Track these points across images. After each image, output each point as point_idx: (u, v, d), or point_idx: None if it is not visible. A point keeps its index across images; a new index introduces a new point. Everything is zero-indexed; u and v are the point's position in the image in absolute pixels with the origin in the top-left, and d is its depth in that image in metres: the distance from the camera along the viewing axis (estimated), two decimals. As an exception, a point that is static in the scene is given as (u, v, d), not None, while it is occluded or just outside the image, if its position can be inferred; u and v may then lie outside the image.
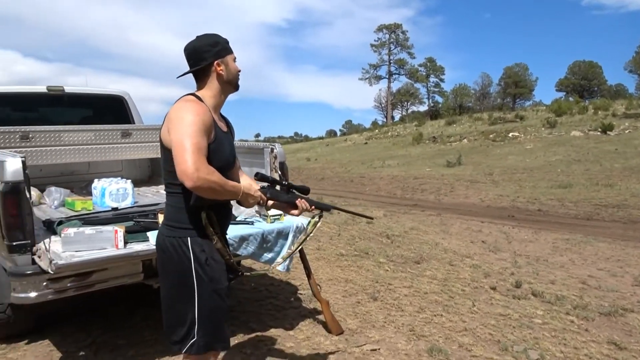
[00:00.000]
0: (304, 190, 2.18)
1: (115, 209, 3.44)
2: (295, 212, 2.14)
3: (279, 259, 2.90)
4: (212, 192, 1.75)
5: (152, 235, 2.66)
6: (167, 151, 1.88)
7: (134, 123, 5.27)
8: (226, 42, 1.99)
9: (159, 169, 5.35)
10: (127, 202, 3.76)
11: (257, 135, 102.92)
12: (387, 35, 70.61)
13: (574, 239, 8.27)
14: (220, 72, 1.93)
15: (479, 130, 36.62)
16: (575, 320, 3.75)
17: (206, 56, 1.91)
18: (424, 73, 69.83)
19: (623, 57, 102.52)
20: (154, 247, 2.36)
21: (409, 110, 72.13)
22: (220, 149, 1.92)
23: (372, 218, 2.78)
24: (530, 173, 19.54)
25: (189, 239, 1.89)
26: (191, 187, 1.70)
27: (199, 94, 1.95)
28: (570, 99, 51.48)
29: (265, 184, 2.11)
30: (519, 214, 11.95)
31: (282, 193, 2.13)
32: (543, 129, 33.26)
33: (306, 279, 3.54)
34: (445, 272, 5.13)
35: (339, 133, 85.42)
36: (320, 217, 2.26)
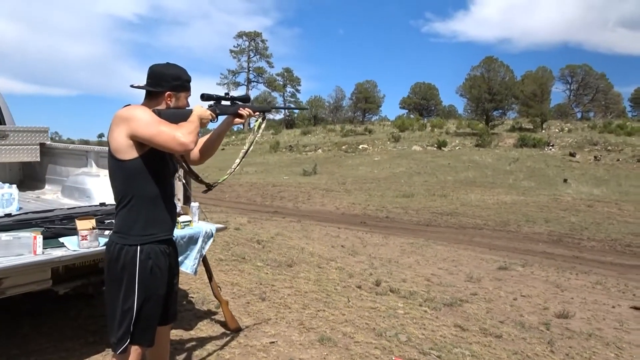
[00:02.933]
0: (245, 99, 2.39)
1: (9, 215, 3.29)
2: (242, 120, 2.38)
3: (187, 262, 3.12)
4: (196, 138, 2.05)
5: (67, 241, 2.70)
6: (118, 162, 2.03)
7: (5, 124, 4.95)
8: (188, 80, 2.18)
9: (31, 172, 5.10)
10: (12, 208, 3.59)
11: (101, 136, 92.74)
12: (247, 43, 71.14)
13: (417, 242, 9.44)
14: (169, 102, 2.13)
15: (332, 141, 38.78)
16: (427, 310, 4.52)
17: (164, 84, 2.10)
18: (282, 83, 71.69)
19: (455, 81, 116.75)
20: (73, 252, 2.45)
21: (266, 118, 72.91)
22: (164, 155, 2.11)
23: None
24: (378, 183, 21.39)
25: (138, 247, 2.05)
26: (185, 150, 2.03)
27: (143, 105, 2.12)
28: (412, 116, 56.98)
29: (212, 102, 2.30)
30: (370, 220, 13.10)
31: (229, 106, 2.33)
32: (389, 142, 36.46)
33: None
34: (316, 274, 5.66)
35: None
36: (264, 119, 2.51)
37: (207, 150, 2.42)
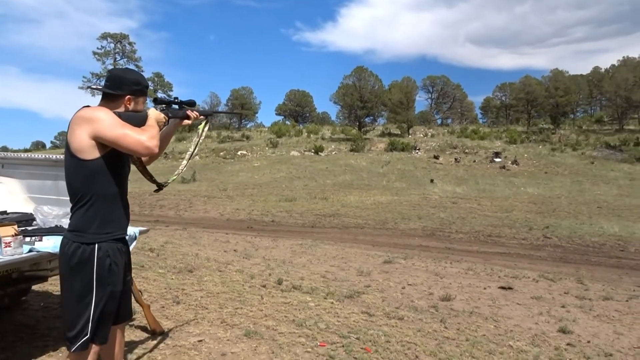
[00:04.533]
0: (192, 103, 2.56)
1: None
2: (189, 122, 2.52)
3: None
4: (158, 142, 2.13)
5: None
6: (79, 161, 2.03)
7: None
8: (146, 86, 2.26)
9: None
10: None
11: None
12: (113, 45, 66.89)
13: (305, 243, 9.78)
14: (128, 106, 2.18)
15: (209, 148, 38.15)
16: (333, 302, 4.83)
17: (124, 88, 2.15)
18: (152, 88, 68.59)
19: (328, 89, 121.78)
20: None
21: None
22: (122, 156, 2.15)
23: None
24: (260, 188, 21.59)
25: (96, 245, 2.05)
26: (150, 153, 2.11)
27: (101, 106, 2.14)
28: (288, 122, 58.06)
29: (164, 106, 2.44)
30: (256, 225, 13.23)
31: (178, 110, 2.48)
32: (267, 148, 36.86)
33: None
34: (219, 277, 5.71)
35: (49, 145, 76.24)
36: (207, 122, 2.69)
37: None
